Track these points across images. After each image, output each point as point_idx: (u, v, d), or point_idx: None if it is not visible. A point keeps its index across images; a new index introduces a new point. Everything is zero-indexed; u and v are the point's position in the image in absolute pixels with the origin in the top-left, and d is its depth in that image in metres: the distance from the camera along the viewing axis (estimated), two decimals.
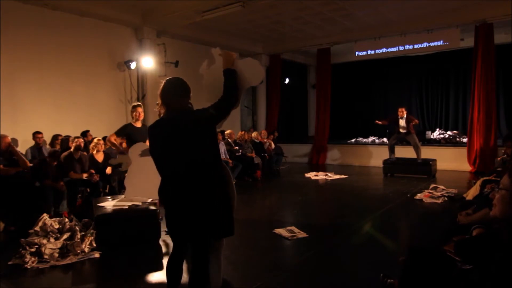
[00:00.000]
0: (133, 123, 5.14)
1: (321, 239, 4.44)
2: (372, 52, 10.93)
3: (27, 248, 3.77)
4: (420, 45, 10.24)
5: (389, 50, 10.67)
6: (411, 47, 10.38)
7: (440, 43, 9.94)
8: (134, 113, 5.18)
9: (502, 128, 11.87)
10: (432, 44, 10.05)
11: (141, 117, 5.23)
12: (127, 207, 4.33)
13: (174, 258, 2.44)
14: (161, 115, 2.40)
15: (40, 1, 7.11)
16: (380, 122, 9.29)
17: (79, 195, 5.86)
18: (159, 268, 3.59)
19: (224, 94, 2.28)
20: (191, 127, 2.24)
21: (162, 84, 2.37)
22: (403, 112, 8.87)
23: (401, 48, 10.53)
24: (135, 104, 5.36)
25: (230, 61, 2.38)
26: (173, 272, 2.44)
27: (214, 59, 2.61)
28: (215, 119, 2.29)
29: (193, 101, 2.50)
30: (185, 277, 2.57)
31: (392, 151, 9.16)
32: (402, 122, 8.86)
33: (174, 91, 2.32)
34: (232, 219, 2.42)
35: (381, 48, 10.75)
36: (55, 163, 5.43)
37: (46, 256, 3.68)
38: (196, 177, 2.24)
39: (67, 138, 6.86)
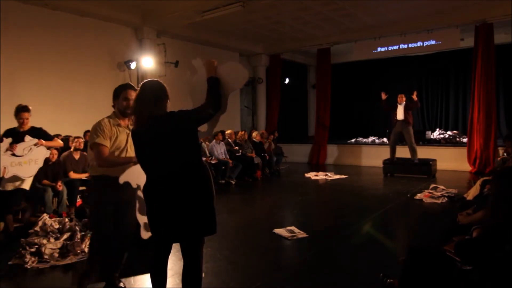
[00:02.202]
0: (18, 127, 4.62)
1: (321, 239, 4.44)
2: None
3: (27, 248, 3.77)
4: (421, 43, 10.23)
5: (409, 46, 10.45)
6: (413, 45, 10.37)
7: (439, 43, 9.94)
8: (18, 119, 4.52)
9: (502, 128, 11.86)
10: (431, 43, 10.04)
11: (25, 124, 4.64)
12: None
13: (160, 261, 2.42)
14: (139, 120, 2.35)
15: (40, 1, 7.10)
16: (384, 96, 9.12)
17: (79, 195, 5.86)
18: None
19: (207, 101, 2.34)
20: (180, 128, 2.28)
21: (141, 90, 2.35)
22: (402, 98, 8.85)
23: (403, 46, 10.51)
24: (19, 107, 4.65)
25: (213, 68, 2.44)
26: (160, 275, 2.41)
27: (196, 70, 2.66)
28: (199, 122, 2.36)
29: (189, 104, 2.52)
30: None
31: (393, 150, 9.13)
32: (400, 109, 8.82)
33: (156, 97, 2.33)
34: (215, 217, 2.41)
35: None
36: (50, 163, 5.42)
37: (46, 256, 3.68)
38: (187, 177, 2.27)
39: (67, 138, 6.86)
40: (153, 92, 2.33)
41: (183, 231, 2.29)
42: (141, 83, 2.41)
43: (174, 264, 3.51)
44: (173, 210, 2.26)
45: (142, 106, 2.31)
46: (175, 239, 2.39)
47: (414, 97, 8.80)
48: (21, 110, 4.61)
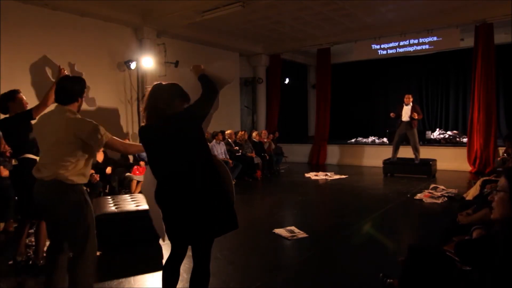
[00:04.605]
0: None
1: (321, 239, 4.44)
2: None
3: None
4: (420, 42, 10.25)
5: (409, 45, 10.49)
6: (413, 44, 10.38)
7: (440, 39, 9.92)
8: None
9: (502, 128, 11.86)
10: (431, 39, 10.03)
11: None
12: (127, 207, 4.33)
13: (173, 262, 2.41)
14: (149, 118, 2.36)
15: (40, 1, 7.10)
16: (392, 115, 9.09)
17: None
18: (159, 268, 3.57)
19: (204, 91, 2.38)
20: (181, 127, 2.27)
21: (155, 88, 2.37)
22: (409, 99, 8.79)
23: (403, 43, 10.53)
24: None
25: (200, 69, 2.52)
26: (171, 276, 2.40)
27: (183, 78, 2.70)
28: (202, 115, 2.35)
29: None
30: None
31: (396, 151, 9.06)
32: (406, 110, 8.75)
33: (169, 94, 2.34)
34: (234, 213, 2.40)
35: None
36: None
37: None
38: (193, 177, 2.25)
39: None
40: (166, 90, 2.33)
41: (199, 231, 2.26)
42: (156, 83, 2.42)
43: None
44: (187, 212, 2.23)
45: (154, 103, 2.30)
46: (189, 240, 2.35)
47: (419, 116, 8.78)
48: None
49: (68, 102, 2.63)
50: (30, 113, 3.54)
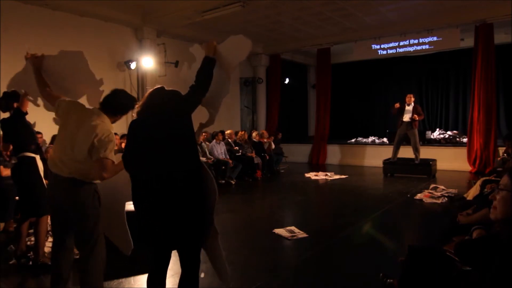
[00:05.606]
0: None
1: (321, 239, 4.43)
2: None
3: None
4: (420, 42, 10.26)
5: (409, 45, 10.52)
6: (413, 44, 10.38)
7: (440, 39, 9.92)
8: None
9: (502, 128, 11.86)
10: (432, 39, 10.02)
11: None
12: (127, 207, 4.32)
13: (158, 273, 2.27)
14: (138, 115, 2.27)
15: (40, 1, 7.11)
16: (397, 105, 8.92)
17: None
18: None
19: (196, 83, 2.31)
20: (173, 121, 2.19)
21: (159, 90, 2.28)
22: (410, 99, 8.77)
23: (403, 43, 10.54)
24: None
25: (212, 48, 2.43)
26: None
27: (195, 57, 2.63)
28: (191, 108, 2.29)
29: None
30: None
31: (396, 151, 9.04)
32: (408, 110, 8.72)
33: (172, 96, 2.27)
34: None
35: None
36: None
37: (46, 255, 3.67)
38: (185, 179, 2.15)
39: None
40: (168, 92, 2.26)
41: (185, 235, 2.17)
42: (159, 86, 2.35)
43: (174, 264, 3.50)
44: (177, 215, 2.13)
45: (152, 101, 2.22)
46: (175, 245, 2.25)
47: (421, 117, 8.75)
48: None
49: (109, 113, 2.59)
50: (20, 110, 3.59)
